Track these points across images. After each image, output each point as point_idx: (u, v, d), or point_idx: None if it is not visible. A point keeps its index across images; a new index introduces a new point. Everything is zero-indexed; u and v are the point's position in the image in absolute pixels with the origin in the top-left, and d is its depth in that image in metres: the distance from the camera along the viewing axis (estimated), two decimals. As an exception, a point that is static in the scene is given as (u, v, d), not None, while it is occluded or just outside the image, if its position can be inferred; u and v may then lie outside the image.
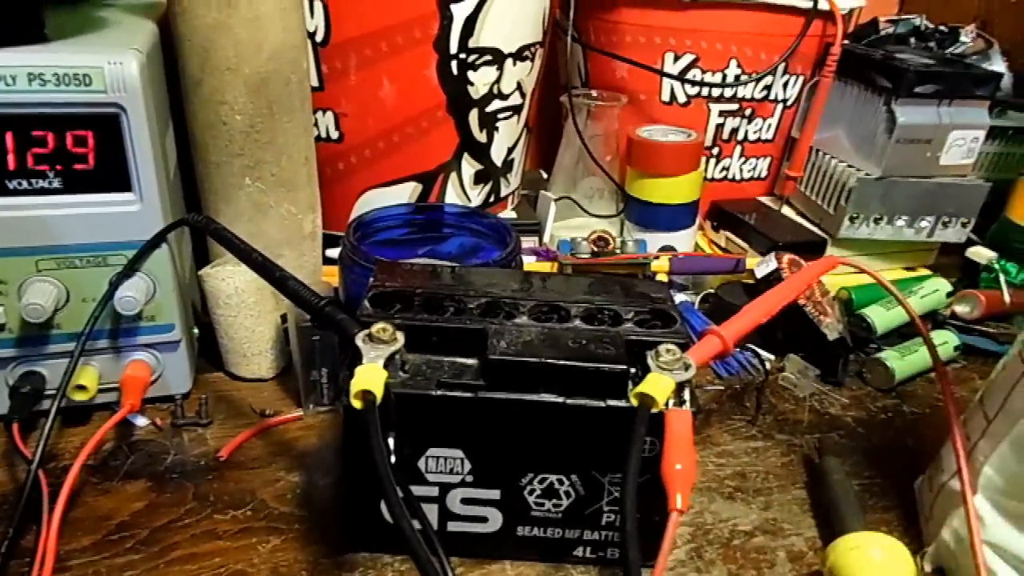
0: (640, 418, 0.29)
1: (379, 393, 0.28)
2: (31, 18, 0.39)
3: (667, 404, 0.30)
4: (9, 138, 0.37)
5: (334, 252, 0.56)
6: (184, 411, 0.45)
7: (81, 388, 0.41)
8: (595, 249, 0.59)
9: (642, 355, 0.32)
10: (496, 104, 0.59)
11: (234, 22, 0.42)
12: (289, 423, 0.45)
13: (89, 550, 0.35)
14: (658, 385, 0.29)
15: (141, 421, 0.44)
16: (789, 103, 0.69)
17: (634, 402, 0.30)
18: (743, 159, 0.70)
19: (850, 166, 0.64)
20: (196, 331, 0.49)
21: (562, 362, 0.31)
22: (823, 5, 0.63)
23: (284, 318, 0.48)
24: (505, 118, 0.60)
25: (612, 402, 0.31)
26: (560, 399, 0.31)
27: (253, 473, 0.41)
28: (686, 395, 0.31)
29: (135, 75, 0.37)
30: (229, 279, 0.46)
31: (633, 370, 0.32)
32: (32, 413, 0.41)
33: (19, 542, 0.35)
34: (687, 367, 0.31)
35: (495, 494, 0.33)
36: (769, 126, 0.69)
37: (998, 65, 0.75)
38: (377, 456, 0.27)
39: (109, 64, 0.36)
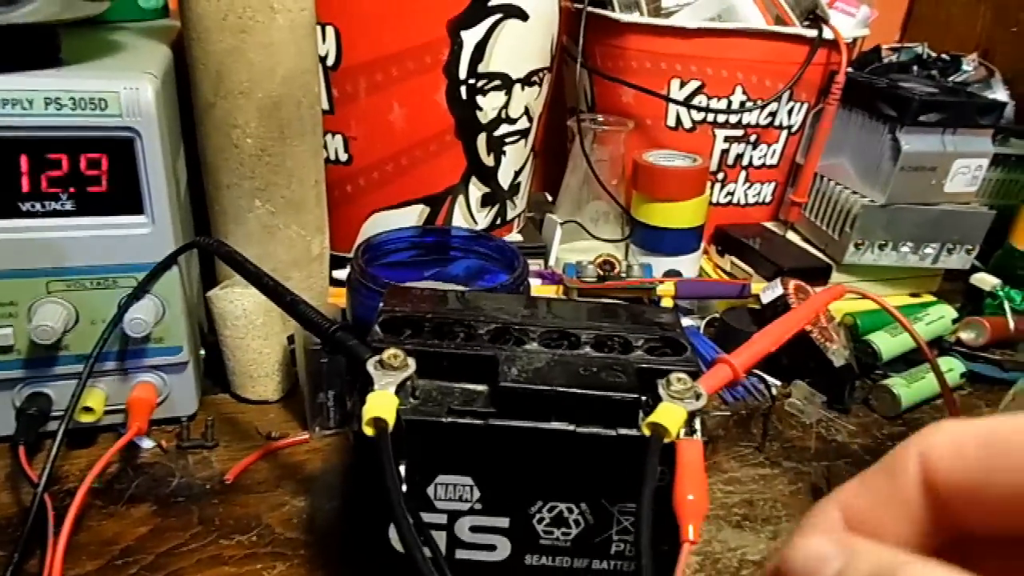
0: (653, 450, 0.29)
1: (391, 420, 0.28)
2: (47, 43, 0.39)
3: (679, 434, 0.30)
4: (24, 161, 0.37)
5: (341, 273, 0.56)
6: (190, 433, 0.45)
7: (88, 410, 0.41)
8: (601, 273, 0.59)
9: (652, 383, 0.32)
10: (504, 128, 0.59)
11: (248, 47, 0.42)
12: (295, 446, 0.45)
13: (93, 575, 0.35)
14: (670, 415, 0.29)
15: (147, 443, 0.44)
16: (794, 130, 0.69)
17: (646, 432, 0.30)
18: (748, 184, 0.70)
19: (855, 193, 0.64)
20: (202, 352, 0.49)
21: (573, 390, 0.31)
22: (828, 34, 0.64)
23: (291, 340, 0.48)
24: (512, 142, 0.61)
25: (623, 431, 0.31)
26: (571, 427, 0.31)
27: (259, 497, 0.41)
28: (697, 424, 0.31)
29: (150, 100, 0.37)
30: (237, 301, 0.46)
31: (644, 398, 0.32)
32: (38, 435, 0.41)
33: (24, 567, 0.34)
34: (698, 396, 0.31)
35: (504, 522, 0.33)
36: (774, 152, 0.69)
37: (1000, 93, 0.75)
38: (390, 484, 0.27)
39: (125, 89, 0.37)
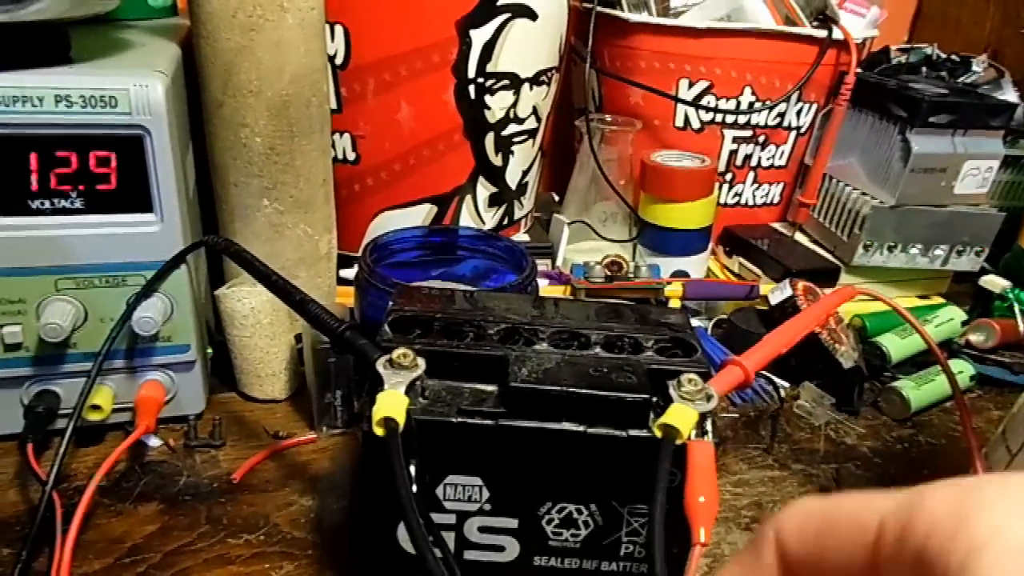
0: (665, 451, 0.28)
1: (401, 420, 0.28)
2: (57, 40, 0.39)
3: (690, 436, 0.29)
4: (33, 159, 0.37)
5: (348, 272, 0.56)
6: (197, 432, 0.45)
7: (96, 408, 0.41)
8: (608, 273, 0.59)
9: (663, 384, 0.32)
10: (512, 128, 0.59)
11: (257, 46, 0.42)
12: (302, 445, 0.45)
13: (101, 574, 0.35)
14: (682, 416, 0.29)
15: (154, 442, 0.44)
16: (803, 130, 0.69)
17: (658, 434, 0.29)
18: (756, 185, 0.70)
19: (864, 194, 0.64)
20: (210, 351, 0.49)
21: (584, 391, 0.31)
22: (837, 34, 0.63)
23: (299, 339, 0.48)
24: (520, 142, 0.61)
25: (634, 432, 0.31)
26: (581, 428, 0.31)
27: (266, 496, 0.41)
28: (708, 426, 0.31)
29: (160, 98, 0.37)
30: (245, 299, 0.46)
31: (655, 399, 0.32)
32: (46, 432, 0.41)
33: (32, 565, 0.34)
34: (709, 398, 0.31)
35: (513, 523, 0.33)
36: (782, 153, 0.69)
37: (1009, 94, 0.75)
38: (400, 484, 0.27)
39: (135, 87, 0.37)
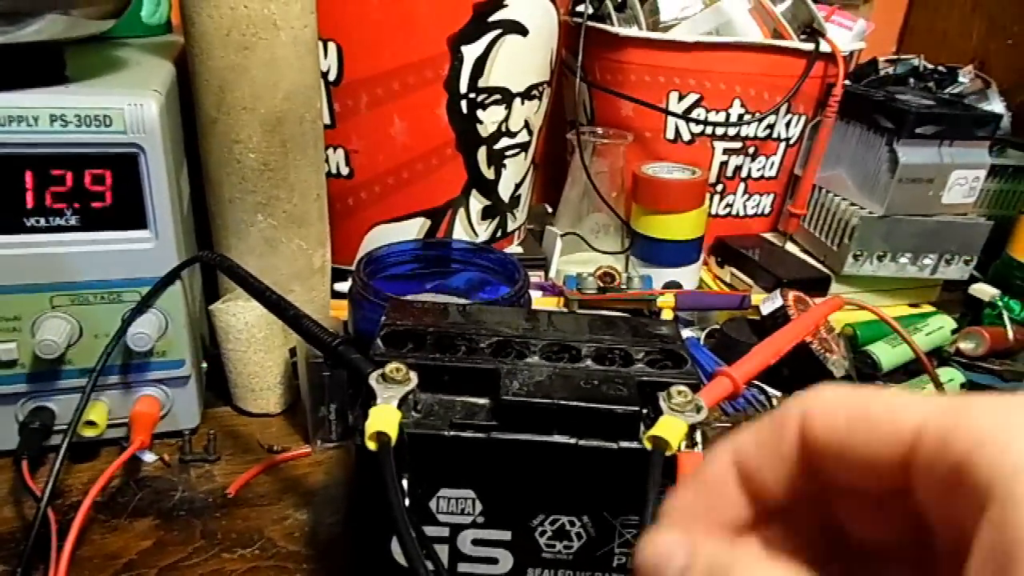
0: (655, 463, 0.29)
1: (394, 434, 0.29)
2: (53, 60, 0.40)
3: (680, 447, 0.30)
4: (29, 177, 0.37)
5: (342, 286, 0.56)
6: (192, 447, 0.45)
7: (91, 424, 0.41)
8: (601, 284, 0.60)
9: (653, 396, 0.32)
10: (504, 142, 0.60)
11: (251, 63, 0.43)
12: (297, 459, 0.45)
13: (96, 589, 0.35)
14: (671, 428, 0.29)
15: (149, 457, 0.44)
16: (792, 142, 0.70)
17: (648, 446, 0.30)
18: (747, 196, 0.71)
19: (853, 204, 0.65)
20: (205, 365, 0.49)
21: (574, 403, 0.31)
22: (825, 47, 0.64)
23: (293, 352, 0.48)
24: (513, 155, 0.61)
25: (624, 444, 0.31)
26: (572, 440, 0.31)
27: (261, 510, 0.41)
28: (698, 437, 0.31)
29: (155, 117, 0.37)
30: (240, 314, 0.46)
31: (645, 411, 0.32)
32: (41, 449, 0.41)
33: (27, 581, 0.34)
34: (699, 409, 0.31)
35: (506, 535, 0.33)
36: (772, 164, 0.70)
37: (996, 105, 0.76)
38: (393, 498, 0.27)
39: (129, 106, 0.37)
